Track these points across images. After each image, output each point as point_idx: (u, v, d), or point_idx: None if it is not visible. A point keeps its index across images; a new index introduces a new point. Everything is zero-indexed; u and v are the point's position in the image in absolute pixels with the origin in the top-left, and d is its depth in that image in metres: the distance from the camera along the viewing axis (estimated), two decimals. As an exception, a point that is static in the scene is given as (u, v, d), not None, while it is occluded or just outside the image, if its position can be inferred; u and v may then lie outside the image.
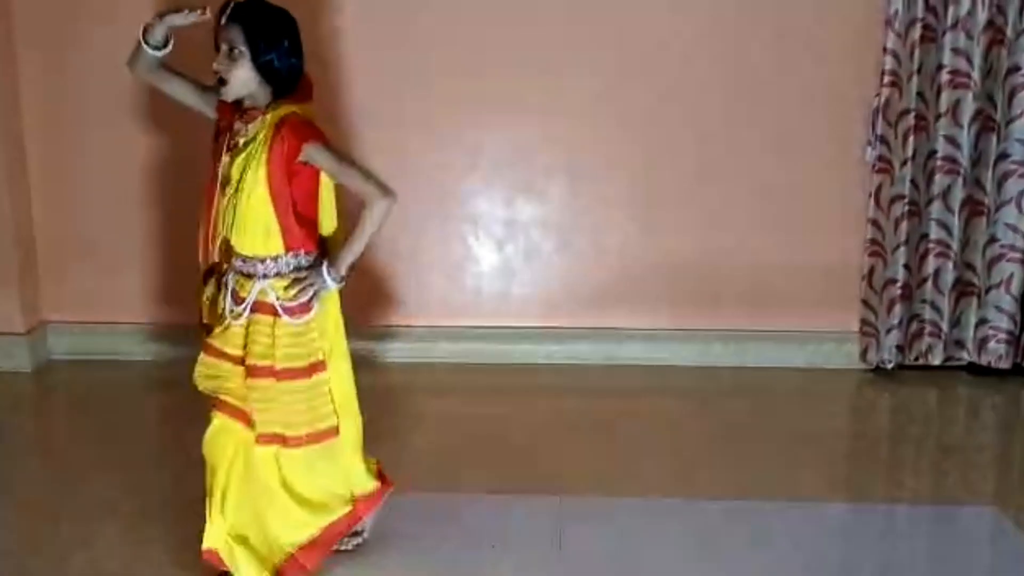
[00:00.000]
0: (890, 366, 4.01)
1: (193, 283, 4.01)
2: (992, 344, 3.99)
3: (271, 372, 2.38)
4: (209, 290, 2.51)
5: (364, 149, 3.92)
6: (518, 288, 4.08)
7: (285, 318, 2.37)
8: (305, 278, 2.39)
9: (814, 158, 3.95)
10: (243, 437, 2.45)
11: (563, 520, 2.89)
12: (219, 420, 2.47)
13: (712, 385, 3.97)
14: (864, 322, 4.03)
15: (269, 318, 2.37)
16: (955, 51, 3.76)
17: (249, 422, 2.43)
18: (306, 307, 2.39)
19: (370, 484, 2.65)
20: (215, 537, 2.47)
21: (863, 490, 3.20)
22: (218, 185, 2.37)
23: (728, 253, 4.03)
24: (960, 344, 4.05)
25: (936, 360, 4.04)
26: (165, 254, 4.09)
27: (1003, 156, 3.84)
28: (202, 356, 2.50)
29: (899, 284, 3.93)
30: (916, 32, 3.72)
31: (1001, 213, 3.89)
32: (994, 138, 3.83)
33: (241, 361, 2.41)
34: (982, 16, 3.72)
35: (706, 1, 3.84)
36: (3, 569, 2.62)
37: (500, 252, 4.05)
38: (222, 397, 2.47)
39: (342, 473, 2.58)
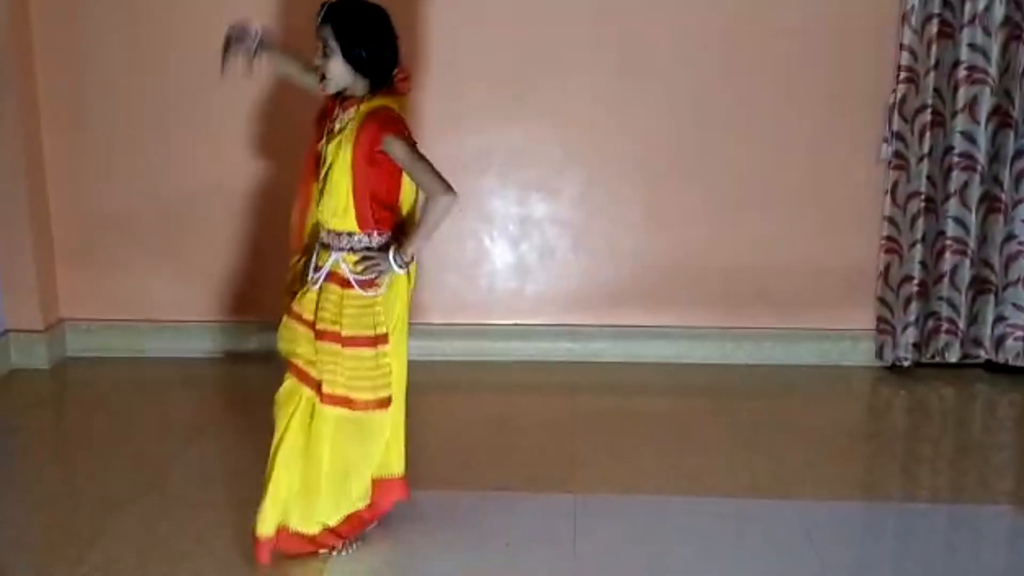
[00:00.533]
0: (906, 364, 3.99)
1: (209, 279, 4.10)
2: (1010, 342, 3.97)
3: (338, 338, 2.54)
4: (303, 259, 2.71)
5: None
6: (532, 286, 4.08)
7: (356, 290, 2.54)
8: (373, 259, 2.55)
9: (830, 155, 3.95)
10: (307, 400, 2.60)
11: (577, 518, 2.89)
12: (289, 382, 2.64)
13: (728, 383, 3.96)
14: (880, 320, 4.01)
15: (339, 288, 2.55)
16: (972, 47, 3.73)
17: (315, 386, 2.58)
18: (373, 283, 2.55)
19: (399, 468, 2.76)
20: (269, 523, 2.59)
21: (879, 489, 3.18)
22: (317, 164, 2.59)
23: (743, 250, 4.03)
24: (977, 342, 4.03)
25: (953, 358, 4.02)
26: (182, 252, 4.11)
27: (1020, 153, 3.82)
28: (284, 319, 2.67)
29: (915, 281, 3.91)
30: (933, 28, 3.71)
31: (1018, 210, 3.86)
32: (1012, 134, 3.81)
33: (312, 325, 2.58)
34: (999, 12, 3.70)
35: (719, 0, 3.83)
36: (20, 563, 2.64)
37: (514, 250, 4.05)
38: (293, 360, 2.63)
39: (380, 453, 2.69)
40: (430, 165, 2.51)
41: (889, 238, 3.92)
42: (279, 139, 3.99)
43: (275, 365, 4.02)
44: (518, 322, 4.01)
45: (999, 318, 3.98)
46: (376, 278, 2.55)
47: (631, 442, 3.48)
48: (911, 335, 3.96)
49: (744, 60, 3.88)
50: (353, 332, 2.54)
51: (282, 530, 2.62)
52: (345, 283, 2.54)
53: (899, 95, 3.78)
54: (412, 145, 2.51)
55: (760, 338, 4.10)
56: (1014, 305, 3.93)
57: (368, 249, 2.55)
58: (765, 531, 2.83)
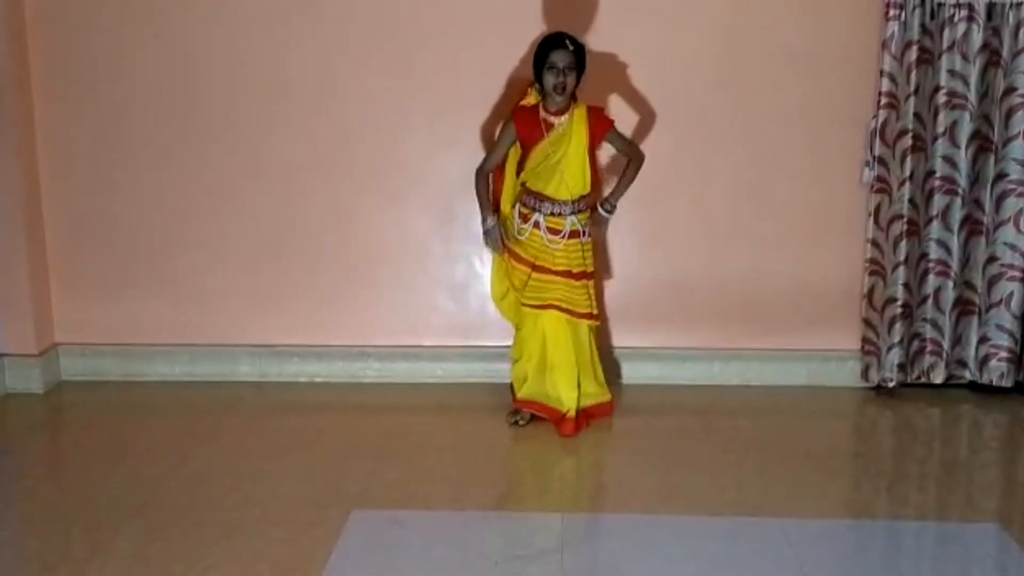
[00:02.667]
0: (891, 384, 4.02)
1: (200, 302, 4.13)
2: (994, 363, 4.00)
3: (586, 275, 3.62)
4: (527, 232, 3.63)
5: (365, 163, 4.00)
6: (523, 309, 4.12)
7: (586, 238, 3.64)
8: (595, 218, 3.68)
9: (814, 178, 4.00)
10: (563, 322, 3.63)
11: (565, 536, 2.91)
12: (547, 315, 3.61)
13: (716, 403, 4.00)
14: (865, 341, 4.05)
15: (578, 240, 3.59)
16: (951, 73, 3.80)
17: (571, 312, 3.61)
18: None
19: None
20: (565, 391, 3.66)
21: (866, 507, 3.20)
22: (530, 157, 3.55)
23: (730, 272, 4.08)
24: (962, 363, 4.06)
25: (938, 379, 4.05)
26: (176, 277, 4.15)
27: (1001, 176, 3.87)
28: (535, 276, 3.61)
29: (899, 303, 3.95)
30: (912, 54, 3.77)
31: (1000, 232, 3.90)
32: (991, 158, 3.86)
33: (565, 273, 3.58)
34: (977, 38, 3.77)
35: (707, 23, 3.89)
36: (15, 584, 2.66)
37: (505, 273, 4.09)
38: (548, 303, 3.60)
39: None
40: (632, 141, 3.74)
41: (873, 260, 3.97)
42: (272, 165, 4.05)
43: (269, 388, 4.12)
44: (510, 344, 4.04)
45: (983, 339, 4.01)
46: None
47: (619, 460, 3.52)
48: (896, 356, 3.99)
49: (729, 85, 3.94)
50: (592, 268, 3.68)
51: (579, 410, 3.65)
52: (581, 234, 3.61)
53: (880, 120, 3.84)
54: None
55: (748, 358, 4.14)
56: (997, 326, 3.97)
57: (591, 209, 3.63)
58: (753, 549, 2.85)
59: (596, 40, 3.85)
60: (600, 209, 3.64)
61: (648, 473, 3.36)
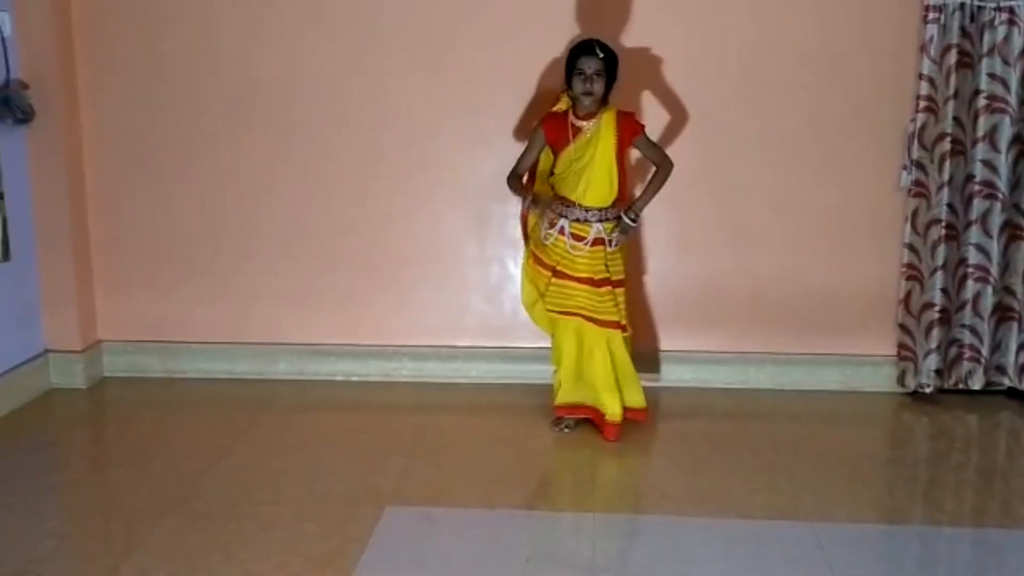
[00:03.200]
0: (928, 390, 3.99)
1: (240, 301, 4.19)
2: (1034, 369, 3.96)
3: (609, 282, 3.55)
4: (552, 237, 3.57)
5: (401, 164, 4.05)
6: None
7: (612, 247, 3.57)
8: (621, 227, 3.56)
9: (851, 182, 3.99)
10: (590, 331, 3.58)
11: (597, 537, 2.93)
12: (576, 322, 3.58)
13: (748, 407, 3.99)
14: (901, 346, 4.03)
15: (601, 248, 3.54)
16: (992, 76, 3.77)
17: (595, 320, 3.56)
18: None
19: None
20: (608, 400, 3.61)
21: (900, 512, 3.18)
22: (559, 162, 3.55)
23: (765, 276, 4.07)
24: (1001, 369, 4.03)
25: (976, 385, 4.02)
26: (217, 275, 4.22)
27: (1041, 181, 3.84)
28: (555, 281, 3.58)
29: (937, 308, 3.93)
30: (952, 58, 3.75)
31: (1041, 238, 3.87)
32: (1032, 163, 3.84)
33: (587, 281, 3.53)
34: (1018, 42, 3.74)
35: (745, 25, 3.89)
36: (57, 572, 2.72)
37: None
38: (572, 310, 3.57)
39: None
40: (660, 147, 3.68)
41: (909, 265, 3.95)
42: (310, 166, 4.11)
43: (305, 386, 4.17)
44: (542, 345, 4.06)
45: (1022, 346, 3.97)
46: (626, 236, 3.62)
47: (651, 463, 3.53)
48: (933, 362, 3.97)
49: (766, 88, 3.94)
50: (617, 276, 3.61)
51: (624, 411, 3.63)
52: (601, 242, 3.55)
53: (919, 123, 3.82)
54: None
55: (782, 362, 4.13)
56: (1037, 332, 3.93)
57: (617, 218, 3.55)
58: (783, 553, 2.84)
59: (628, 40, 3.86)
60: (624, 217, 3.55)
61: (680, 476, 3.37)
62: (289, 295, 4.21)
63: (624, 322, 3.61)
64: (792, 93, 3.93)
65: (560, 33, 3.87)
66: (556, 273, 3.57)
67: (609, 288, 3.55)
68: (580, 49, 3.45)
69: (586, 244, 3.52)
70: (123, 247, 4.22)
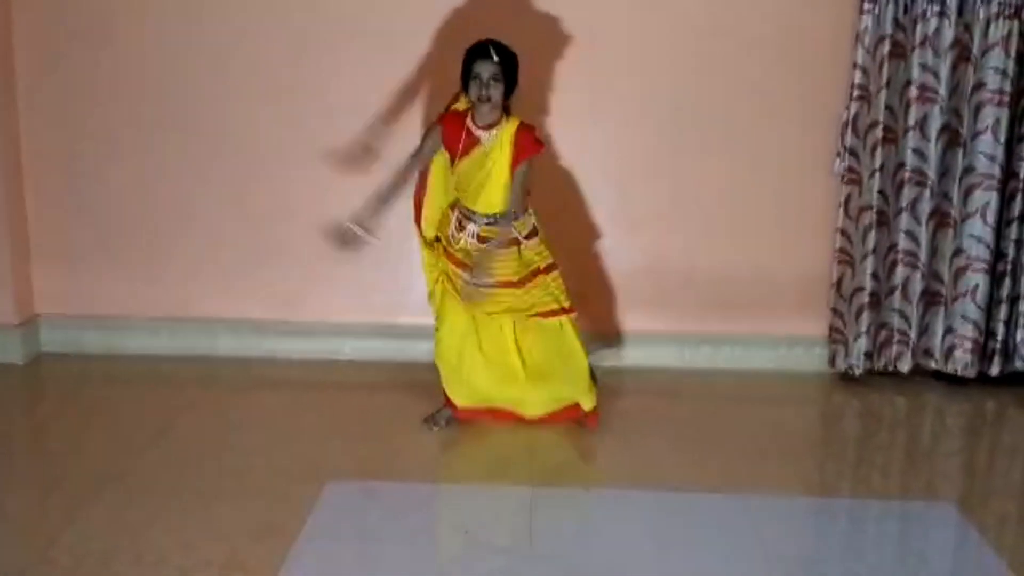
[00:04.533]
0: (858, 372, 4.09)
1: (182, 277, 4.16)
2: (958, 353, 4.06)
3: (535, 274, 3.39)
4: (461, 241, 3.40)
5: (345, 141, 4.04)
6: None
7: (527, 243, 3.40)
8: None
9: (788, 168, 4.06)
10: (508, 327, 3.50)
11: (535, 509, 2.99)
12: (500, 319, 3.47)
13: (686, 387, 4.07)
14: (833, 329, 4.12)
15: (515, 248, 3.38)
16: (923, 67, 3.86)
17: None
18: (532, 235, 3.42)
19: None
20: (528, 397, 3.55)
21: (828, 487, 3.29)
22: (455, 172, 3.35)
23: (702, 259, 4.14)
24: (928, 353, 4.13)
25: (905, 368, 4.11)
26: (158, 250, 4.19)
27: (969, 169, 3.93)
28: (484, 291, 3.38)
29: (867, 292, 4.02)
30: (885, 48, 3.83)
31: (967, 225, 3.97)
32: (960, 152, 3.93)
33: (506, 284, 3.36)
34: (949, 34, 3.83)
35: (680, 14, 3.94)
36: (-6, 547, 2.71)
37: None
38: (496, 311, 3.43)
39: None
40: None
41: (842, 250, 4.04)
42: (254, 141, 4.09)
43: (247, 364, 4.16)
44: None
45: (948, 330, 4.07)
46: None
47: (589, 439, 3.57)
48: (863, 344, 4.06)
49: (703, 75, 3.99)
50: (542, 264, 3.44)
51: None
52: (515, 242, 3.38)
53: (852, 112, 3.90)
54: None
55: (717, 343, 4.21)
56: (962, 317, 4.03)
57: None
58: (714, 524, 2.93)
59: (573, 24, 3.91)
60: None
61: (616, 451, 3.44)
62: (232, 271, 4.19)
63: (568, 304, 3.47)
64: (734, 80, 4.00)
65: (506, 23, 3.89)
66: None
67: (541, 277, 3.42)
68: (475, 52, 3.21)
69: (500, 245, 3.36)
70: (62, 220, 4.17)
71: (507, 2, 3.93)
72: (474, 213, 3.36)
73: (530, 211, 3.43)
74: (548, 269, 3.44)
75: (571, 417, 3.58)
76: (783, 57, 3.97)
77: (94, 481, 3.08)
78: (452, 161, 3.34)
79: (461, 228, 3.38)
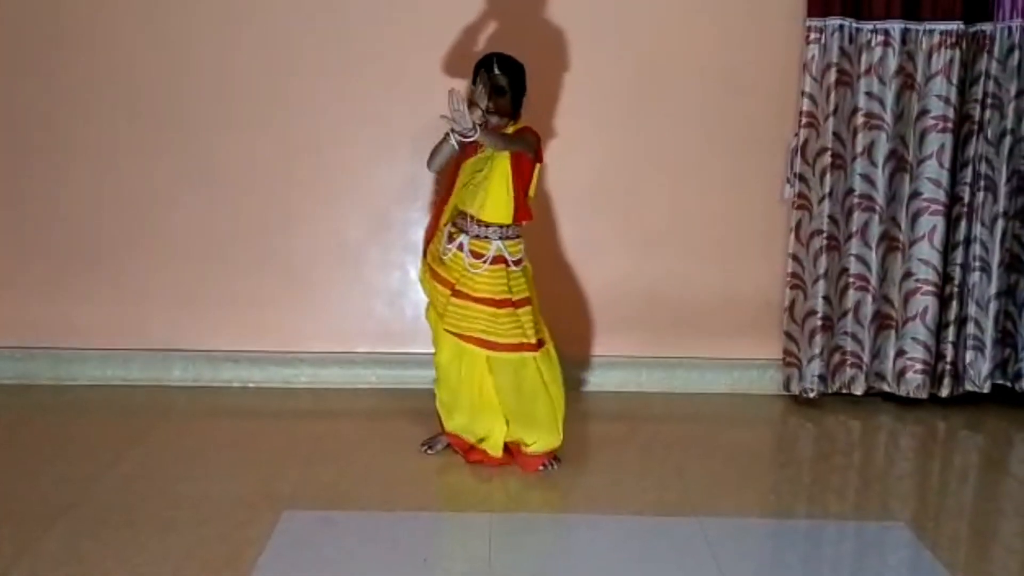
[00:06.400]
0: (812, 395, 4.13)
1: (134, 306, 4.11)
2: (910, 375, 4.13)
3: (510, 303, 3.35)
4: (450, 253, 3.39)
5: (303, 170, 4.06)
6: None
7: (515, 268, 3.40)
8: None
9: (741, 194, 4.13)
10: (482, 359, 3.39)
11: (493, 536, 2.98)
12: (474, 350, 3.38)
13: (642, 409, 4.10)
14: (787, 352, 4.17)
15: (503, 268, 3.36)
16: (869, 95, 3.96)
17: (490, 345, 3.36)
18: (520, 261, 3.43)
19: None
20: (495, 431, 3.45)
21: (783, 508, 3.30)
22: (461, 171, 3.38)
23: (656, 283, 4.19)
24: (880, 375, 4.20)
25: (858, 390, 4.18)
26: (107, 280, 4.15)
27: (916, 194, 4.03)
28: (454, 301, 3.36)
29: (819, 316, 4.08)
30: (832, 76, 3.92)
31: (915, 248, 4.06)
32: (907, 177, 4.03)
33: (487, 301, 3.33)
34: (893, 62, 3.94)
35: (629, 42, 4.01)
36: (-59, 580, 2.65)
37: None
38: (470, 334, 3.35)
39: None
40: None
41: (794, 274, 4.10)
42: (208, 170, 4.08)
43: (202, 393, 4.12)
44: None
45: (900, 352, 4.15)
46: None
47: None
48: (817, 367, 4.11)
49: (665, 99, 4.06)
50: (521, 295, 3.40)
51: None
52: (503, 261, 3.37)
53: (801, 139, 3.98)
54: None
55: (673, 366, 4.25)
56: (913, 339, 4.11)
57: (518, 237, 3.42)
58: (672, 546, 2.94)
59: (529, 49, 3.94)
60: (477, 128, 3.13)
61: (572, 475, 3.44)
62: (185, 299, 4.16)
63: (534, 340, 3.38)
64: (687, 107, 4.06)
65: (465, 42, 3.94)
66: (455, 292, 3.38)
67: (511, 309, 3.36)
68: (483, 65, 3.33)
69: (485, 262, 3.35)
70: (10, 249, 4.12)
71: (461, 30, 3.97)
72: (470, 220, 3.35)
73: (521, 241, 3.43)
74: (524, 303, 3.40)
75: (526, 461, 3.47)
76: (732, 85, 4.04)
77: (47, 512, 3.03)
78: (464, 160, 3.39)
79: (451, 240, 3.40)
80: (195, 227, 4.12)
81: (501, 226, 3.36)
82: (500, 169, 3.32)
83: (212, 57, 3.99)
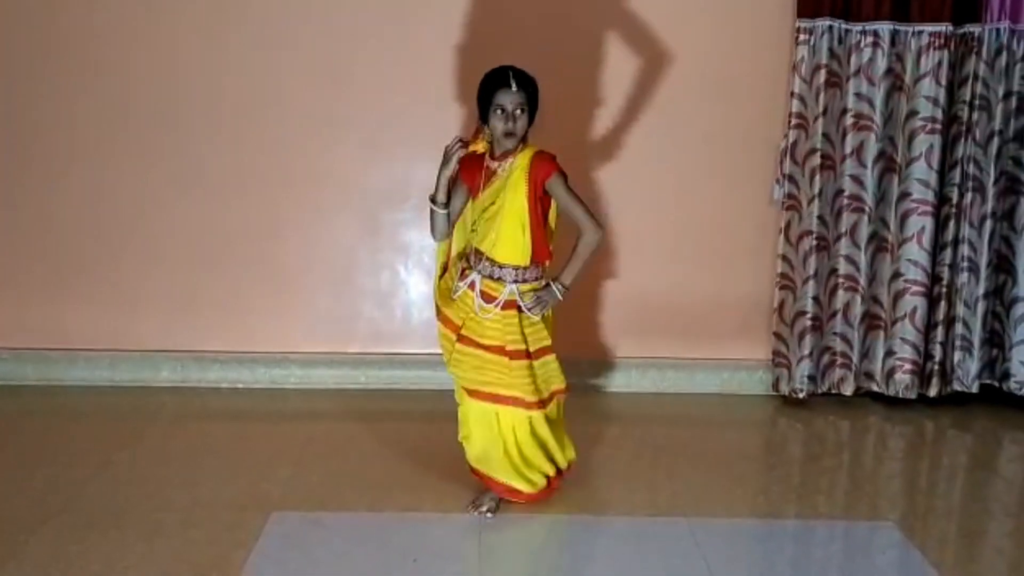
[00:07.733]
0: (802, 395, 4.14)
1: (122, 307, 4.10)
2: (899, 375, 4.14)
3: (526, 354, 3.00)
4: (460, 291, 3.05)
5: (292, 173, 4.04)
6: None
7: (530, 315, 3.02)
8: (539, 297, 3.00)
9: (731, 195, 4.14)
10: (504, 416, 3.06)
11: (483, 536, 2.98)
12: (489, 409, 3.06)
13: (632, 410, 4.10)
14: (776, 353, 4.18)
15: (515, 313, 3.00)
16: (858, 96, 3.97)
17: (507, 400, 3.03)
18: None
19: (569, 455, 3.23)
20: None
21: (772, 510, 3.30)
22: (473, 207, 3.04)
23: (645, 285, 4.19)
24: (869, 375, 4.21)
25: (848, 391, 4.19)
26: (96, 282, 4.14)
27: (904, 195, 4.04)
28: (459, 348, 3.03)
29: (809, 316, 4.09)
30: (821, 77, 3.93)
31: (904, 249, 4.07)
32: (895, 178, 4.04)
33: (497, 350, 2.98)
34: (882, 64, 3.95)
35: (623, 43, 4.00)
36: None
37: (430, 281, 4.12)
38: (486, 389, 3.03)
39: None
40: (584, 201, 2.99)
41: (783, 275, 4.11)
42: (198, 173, 4.06)
43: (190, 394, 4.11)
44: (433, 352, 4.09)
45: (889, 352, 4.16)
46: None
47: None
48: (806, 368, 4.12)
49: (656, 102, 4.05)
50: (536, 346, 3.06)
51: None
52: (515, 306, 3.01)
53: (790, 140, 3.99)
54: (568, 183, 2.98)
55: (663, 367, 4.26)
56: (902, 340, 4.12)
57: (537, 279, 3.05)
58: (662, 548, 2.93)
59: (521, 55, 3.94)
60: (553, 286, 3.00)
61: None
62: (173, 301, 4.15)
63: (545, 396, 3.07)
64: (677, 108, 4.06)
65: (454, 46, 3.93)
66: (460, 338, 3.03)
67: (527, 362, 3.00)
68: (497, 82, 2.92)
69: (496, 306, 2.98)
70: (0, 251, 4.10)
71: (451, 33, 3.96)
72: (482, 258, 3.00)
73: (541, 283, 3.05)
74: (543, 353, 3.07)
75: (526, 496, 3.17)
76: (723, 88, 4.05)
77: (34, 515, 3.01)
78: (474, 198, 3.04)
79: (463, 278, 3.05)
80: (185, 229, 4.10)
81: (516, 268, 2.99)
82: (513, 204, 2.94)
83: (203, 63, 3.98)
